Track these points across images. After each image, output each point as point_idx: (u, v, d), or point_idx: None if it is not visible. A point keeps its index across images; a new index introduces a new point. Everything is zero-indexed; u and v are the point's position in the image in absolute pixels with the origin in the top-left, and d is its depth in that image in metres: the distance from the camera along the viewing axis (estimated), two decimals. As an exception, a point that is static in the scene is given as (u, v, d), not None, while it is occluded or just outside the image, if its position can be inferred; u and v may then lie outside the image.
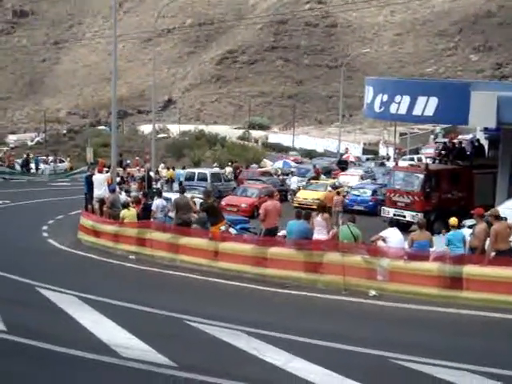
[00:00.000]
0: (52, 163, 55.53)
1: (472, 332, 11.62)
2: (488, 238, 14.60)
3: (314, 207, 26.36)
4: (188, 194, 21.93)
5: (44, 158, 56.14)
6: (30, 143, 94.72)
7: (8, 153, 57.32)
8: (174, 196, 21.70)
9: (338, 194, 27.76)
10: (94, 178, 23.28)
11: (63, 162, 58.80)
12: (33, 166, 53.22)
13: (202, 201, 22.06)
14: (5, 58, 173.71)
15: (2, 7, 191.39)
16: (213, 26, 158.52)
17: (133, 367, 8.87)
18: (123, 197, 23.84)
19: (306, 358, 9.29)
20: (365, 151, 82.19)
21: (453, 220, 16.20)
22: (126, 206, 20.91)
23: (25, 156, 54.23)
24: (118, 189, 24.41)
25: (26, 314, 11.65)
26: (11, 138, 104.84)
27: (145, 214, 20.26)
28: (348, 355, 9.75)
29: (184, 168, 43.40)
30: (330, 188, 30.95)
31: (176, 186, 31.21)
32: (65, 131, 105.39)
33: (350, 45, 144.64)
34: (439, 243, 15.89)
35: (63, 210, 28.95)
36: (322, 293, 14.53)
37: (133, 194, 25.87)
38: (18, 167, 51.44)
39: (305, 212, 17.79)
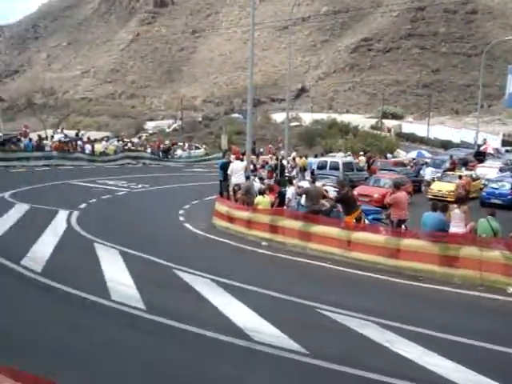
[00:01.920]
0: (188, 149, 57.15)
1: None
2: None
3: (449, 199, 25.75)
4: (319, 183, 21.89)
5: (181, 144, 57.88)
6: (167, 130, 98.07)
7: (156, 140, 59.39)
8: (305, 184, 21.76)
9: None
10: (232, 165, 23.75)
11: (198, 148, 60.36)
12: (172, 152, 54.98)
13: (333, 190, 22.05)
14: (145, 47, 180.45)
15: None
16: (348, 14, 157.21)
17: (265, 352, 9.02)
18: (257, 184, 24.20)
19: (440, 352, 9.11)
20: (504, 143, 78.83)
21: None
22: (261, 193, 21.21)
23: (167, 143, 56.16)
24: (252, 176, 24.81)
25: (163, 295, 12.10)
26: (149, 125, 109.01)
27: (279, 201, 20.46)
28: (481, 351, 9.46)
29: (316, 156, 43.44)
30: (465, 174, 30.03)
31: (308, 174, 31.24)
32: (200, 119, 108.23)
33: (490, 32, 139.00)
34: None
35: (199, 196, 29.70)
36: (457, 287, 14.15)
37: (265, 181, 26.20)
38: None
39: (441, 204, 17.34)
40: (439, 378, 8.26)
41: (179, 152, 55.12)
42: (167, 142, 58.00)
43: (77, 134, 49.82)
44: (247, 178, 23.18)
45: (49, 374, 7.12)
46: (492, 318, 11.99)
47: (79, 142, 46.29)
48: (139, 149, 51.64)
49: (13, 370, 3.77)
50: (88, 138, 50.01)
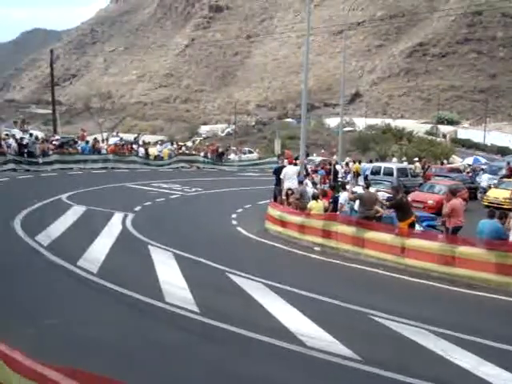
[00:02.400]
0: (241, 154, 57.40)
1: None
2: None
3: (505, 207, 25.25)
4: (373, 189, 21.74)
5: (234, 148, 58.17)
6: (220, 134, 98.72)
7: (210, 143, 59.79)
8: (359, 190, 21.63)
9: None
10: (284, 169, 23.77)
11: (252, 152, 60.57)
12: (226, 156, 55.30)
13: (388, 195, 21.85)
14: (200, 52, 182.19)
15: (200, 2, 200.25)
16: (404, 18, 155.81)
17: (318, 357, 9.00)
18: (310, 189, 24.18)
19: (497, 363, 8.94)
20: None
21: None
22: (315, 197, 21.19)
23: (219, 146, 56.53)
24: (305, 180, 24.79)
25: (216, 298, 12.16)
26: (203, 129, 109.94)
27: (333, 206, 20.40)
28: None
29: (371, 162, 43.11)
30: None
31: (361, 179, 31.04)
32: (253, 123, 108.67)
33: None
34: None
35: (251, 200, 29.78)
36: (515, 297, 13.87)
37: (318, 186, 26.13)
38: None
39: (499, 211, 17.02)
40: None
41: (232, 156, 55.39)
42: (219, 146, 58.34)
43: (136, 138, 50.44)
44: (300, 182, 23.15)
45: (101, 373, 7.26)
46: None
47: (134, 146, 46.97)
48: (193, 153, 52.09)
49: (73, 370, 3.87)
50: (143, 142, 50.66)
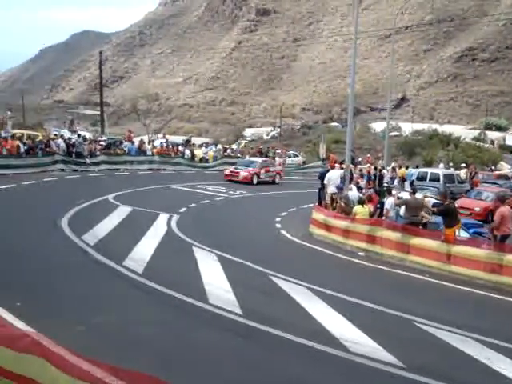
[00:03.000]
0: (286, 157, 57.37)
1: None
2: None
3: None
4: (419, 194, 21.50)
5: (279, 151, 58.18)
6: (265, 137, 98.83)
7: (255, 146, 59.89)
8: (405, 195, 21.44)
9: None
10: (328, 173, 23.71)
11: (296, 156, 60.48)
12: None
13: (434, 201, 21.61)
14: (246, 54, 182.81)
15: (247, 6, 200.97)
16: (452, 23, 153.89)
17: (361, 363, 8.95)
18: (355, 193, 24.10)
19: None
20: None
21: None
22: (361, 202, 21.09)
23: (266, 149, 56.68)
24: (350, 185, 24.70)
25: (259, 301, 12.20)
26: (248, 132, 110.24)
27: (379, 211, 20.28)
28: None
29: (417, 167, 42.73)
30: None
31: (407, 185, 30.74)
32: (298, 126, 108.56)
33: None
34: None
35: (295, 203, 29.77)
36: None
37: (363, 191, 25.97)
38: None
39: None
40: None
41: (277, 159, 55.38)
42: (262, 147, 58.45)
43: (188, 141, 50.62)
44: (340, 189, 23.02)
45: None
46: None
47: (180, 147, 47.35)
48: (238, 155, 52.26)
49: (119, 368, 3.92)
50: (189, 144, 50.86)
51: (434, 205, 20.30)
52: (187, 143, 49.33)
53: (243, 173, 39.29)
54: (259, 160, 42.62)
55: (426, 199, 21.37)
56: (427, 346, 10.15)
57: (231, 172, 40.06)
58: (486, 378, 8.69)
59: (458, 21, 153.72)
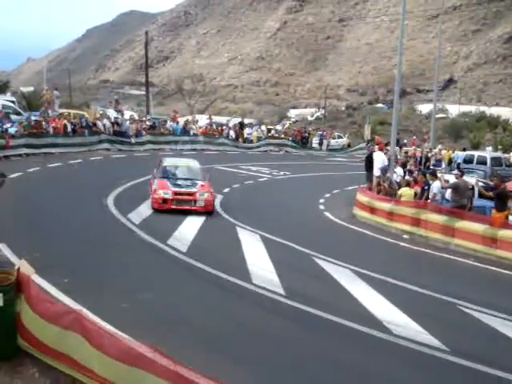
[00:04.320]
0: (330, 139, 57.00)
1: None
2: None
3: None
4: (467, 177, 21.14)
5: (323, 133, 57.81)
6: (310, 118, 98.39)
7: (298, 127, 59.60)
8: (451, 178, 21.11)
9: None
10: (374, 155, 23.49)
11: (341, 138, 60.07)
12: (314, 140, 55.04)
13: (483, 184, 21.31)
14: (291, 35, 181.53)
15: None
16: (502, 3, 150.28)
17: (404, 346, 8.92)
18: (400, 171, 23.86)
19: None
20: None
21: None
22: (407, 184, 20.91)
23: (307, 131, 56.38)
24: (397, 167, 24.49)
25: (302, 281, 12.22)
26: (293, 113, 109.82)
27: (423, 194, 20.05)
28: None
29: (464, 150, 42.04)
30: None
31: (454, 168, 30.27)
32: (343, 108, 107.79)
33: None
34: None
35: (339, 185, 29.60)
36: None
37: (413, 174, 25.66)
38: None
39: None
40: None
41: (324, 141, 55.00)
42: (305, 129, 58.08)
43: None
44: (384, 170, 22.79)
45: (189, 351, 7.44)
46: None
47: (224, 128, 47.34)
48: (282, 136, 52.07)
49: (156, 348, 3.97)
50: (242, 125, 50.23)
51: (485, 188, 20.04)
52: (241, 126, 48.89)
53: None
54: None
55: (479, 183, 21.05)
56: (472, 331, 10.06)
57: None
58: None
59: (509, 0, 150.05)
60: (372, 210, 21.12)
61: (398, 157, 29.91)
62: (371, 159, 23.63)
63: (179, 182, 19.08)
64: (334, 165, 42.71)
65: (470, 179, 21.20)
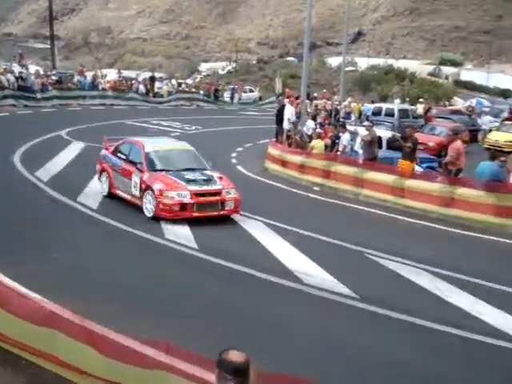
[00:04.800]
0: (241, 92, 56.87)
1: None
2: None
3: (506, 150, 25.16)
4: (375, 129, 21.55)
5: (234, 87, 57.59)
6: (221, 72, 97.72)
7: (209, 82, 59.08)
8: (360, 130, 21.48)
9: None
10: (285, 108, 23.58)
11: (253, 91, 60.02)
12: (225, 94, 54.82)
13: (390, 135, 21.83)
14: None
15: None
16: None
17: (315, 294, 9.14)
18: (312, 125, 24.08)
19: (490, 301, 9.15)
20: None
21: None
22: (318, 136, 21.16)
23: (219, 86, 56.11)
24: (308, 120, 24.69)
25: (214, 235, 12.36)
26: (204, 67, 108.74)
27: (334, 146, 20.35)
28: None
29: (373, 102, 42.75)
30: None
31: (363, 120, 30.79)
32: (254, 61, 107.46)
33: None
34: None
35: (251, 139, 29.62)
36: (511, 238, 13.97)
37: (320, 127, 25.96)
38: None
39: (498, 154, 17.01)
40: (489, 327, 8.25)
41: (235, 95, 54.79)
42: (216, 83, 57.74)
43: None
44: (294, 124, 22.95)
45: (105, 305, 7.42)
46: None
47: (134, 82, 46.43)
48: (193, 90, 51.55)
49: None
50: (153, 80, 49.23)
51: (393, 140, 20.56)
52: (152, 80, 47.95)
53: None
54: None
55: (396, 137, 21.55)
56: (380, 278, 10.37)
57: None
58: (438, 307, 8.94)
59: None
60: (284, 163, 21.27)
61: (309, 110, 30.15)
62: (282, 113, 23.74)
63: (189, 176, 13.74)
64: (246, 119, 42.68)
65: (379, 131, 21.62)
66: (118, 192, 14.37)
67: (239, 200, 13.74)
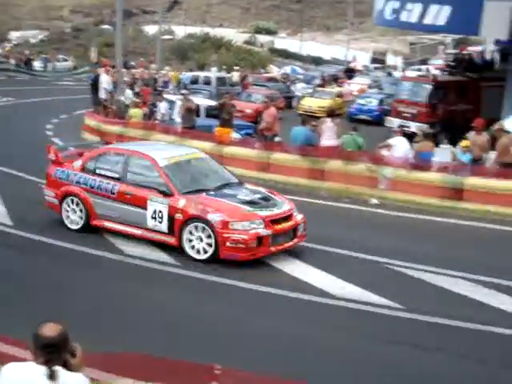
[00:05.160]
0: (55, 62, 54.84)
1: (467, 242, 11.84)
2: (490, 151, 14.78)
3: (318, 115, 26.31)
4: (193, 97, 21.69)
5: (47, 56, 55.37)
6: (32, 41, 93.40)
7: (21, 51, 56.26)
8: (177, 99, 21.50)
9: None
10: (101, 78, 23.08)
11: (66, 60, 58.03)
12: (38, 64, 52.60)
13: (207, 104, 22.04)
14: None
15: None
16: None
17: (132, 263, 9.15)
18: (130, 94, 23.75)
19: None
20: (373, 60, 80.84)
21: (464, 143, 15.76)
22: (136, 105, 20.94)
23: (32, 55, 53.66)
24: (127, 89, 24.33)
25: (31, 211, 11.92)
26: (14, 35, 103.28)
27: (152, 114, 20.27)
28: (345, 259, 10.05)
29: (191, 71, 42.87)
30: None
31: (181, 88, 30.84)
32: (68, 29, 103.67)
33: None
34: (443, 154, 15.79)
35: (67, 110, 28.72)
36: (324, 199, 14.70)
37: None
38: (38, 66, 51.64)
39: (310, 119, 17.76)
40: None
41: (49, 64, 52.66)
42: (27, 53, 55.18)
43: None
44: (110, 93, 22.59)
45: None
46: (356, 228, 12.57)
47: None
48: (3, 60, 48.92)
49: None
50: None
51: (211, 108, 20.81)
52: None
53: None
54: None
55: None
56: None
57: None
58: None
59: None
60: (101, 134, 20.84)
61: (126, 79, 29.70)
62: (97, 82, 23.21)
63: (241, 197, 10.48)
64: (61, 89, 41.28)
65: (197, 99, 21.78)
66: (108, 224, 10.69)
67: (306, 221, 10.67)
